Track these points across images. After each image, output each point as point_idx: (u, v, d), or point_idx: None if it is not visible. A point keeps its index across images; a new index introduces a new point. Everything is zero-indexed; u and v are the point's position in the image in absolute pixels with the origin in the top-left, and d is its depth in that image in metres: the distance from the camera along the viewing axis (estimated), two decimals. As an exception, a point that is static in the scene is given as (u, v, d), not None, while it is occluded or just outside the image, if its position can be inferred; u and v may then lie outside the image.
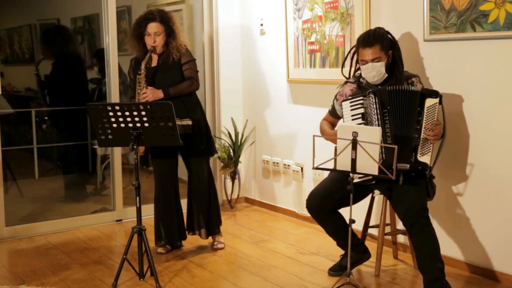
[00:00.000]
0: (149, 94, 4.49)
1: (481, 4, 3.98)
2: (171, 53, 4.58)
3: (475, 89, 4.11)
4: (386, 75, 3.98)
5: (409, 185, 3.88)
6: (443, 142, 3.99)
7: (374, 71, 3.94)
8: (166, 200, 4.82)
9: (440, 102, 3.87)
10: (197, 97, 4.80)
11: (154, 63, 4.62)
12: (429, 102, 3.85)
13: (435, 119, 3.84)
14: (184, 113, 4.62)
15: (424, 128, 3.84)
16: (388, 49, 3.99)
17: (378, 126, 3.85)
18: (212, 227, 4.89)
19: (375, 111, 3.88)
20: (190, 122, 4.65)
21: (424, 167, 3.86)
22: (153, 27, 4.52)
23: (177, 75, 4.63)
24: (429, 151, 3.87)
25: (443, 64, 4.29)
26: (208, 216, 4.85)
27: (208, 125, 4.87)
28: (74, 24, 7.10)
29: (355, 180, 3.81)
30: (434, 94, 3.86)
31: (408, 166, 3.86)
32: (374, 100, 3.88)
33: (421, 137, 3.86)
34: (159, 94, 4.52)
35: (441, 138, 3.95)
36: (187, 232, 4.93)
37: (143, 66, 4.52)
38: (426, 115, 3.84)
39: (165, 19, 4.56)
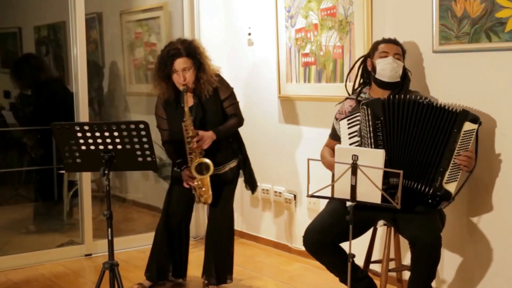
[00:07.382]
0: (206, 139, 4.53)
1: (498, 10, 3.95)
2: (203, 89, 4.61)
3: (492, 106, 4.09)
4: (399, 79, 4.11)
5: (418, 211, 3.88)
6: (470, 175, 3.97)
7: (395, 64, 4.07)
8: (169, 232, 4.82)
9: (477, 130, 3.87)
10: (238, 131, 4.89)
11: (190, 102, 4.61)
12: (467, 126, 3.81)
13: (469, 147, 3.83)
14: (230, 155, 4.77)
15: (457, 152, 3.81)
16: (404, 58, 4.19)
17: (370, 141, 3.88)
18: (224, 275, 4.84)
19: (367, 123, 3.91)
20: (235, 164, 4.78)
21: (447, 196, 3.84)
22: (180, 64, 4.51)
23: (218, 111, 4.70)
24: (456, 179, 3.83)
25: (454, 78, 4.30)
26: (223, 261, 4.82)
27: (249, 159, 4.96)
28: (38, 33, 7.13)
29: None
30: (475, 119, 3.83)
31: (430, 190, 3.83)
32: (366, 111, 3.91)
33: (452, 162, 3.82)
34: (212, 136, 4.56)
35: (471, 172, 3.93)
36: (202, 277, 4.89)
37: (186, 111, 4.48)
38: (461, 141, 3.81)
39: (192, 52, 4.55)
